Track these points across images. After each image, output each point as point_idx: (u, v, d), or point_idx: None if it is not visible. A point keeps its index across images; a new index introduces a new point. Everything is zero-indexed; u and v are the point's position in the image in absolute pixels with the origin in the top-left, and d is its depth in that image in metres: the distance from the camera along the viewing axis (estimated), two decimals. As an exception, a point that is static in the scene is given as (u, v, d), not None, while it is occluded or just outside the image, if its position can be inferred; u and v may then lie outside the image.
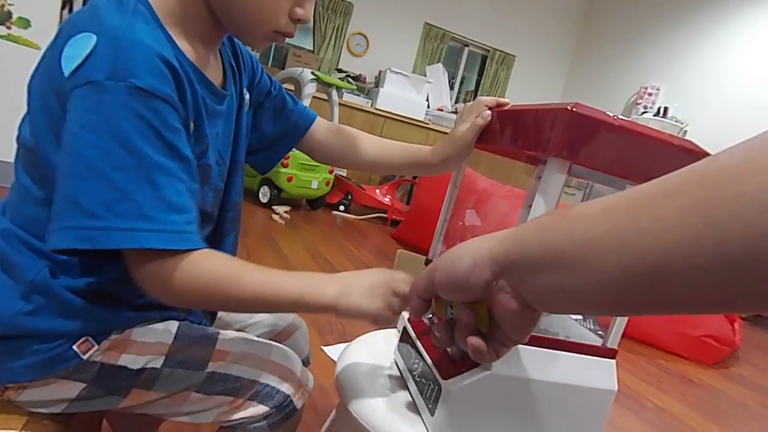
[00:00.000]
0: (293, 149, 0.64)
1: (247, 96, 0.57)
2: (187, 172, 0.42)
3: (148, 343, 0.48)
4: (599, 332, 0.54)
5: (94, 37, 0.38)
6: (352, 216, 3.49)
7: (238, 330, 0.63)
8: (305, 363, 0.69)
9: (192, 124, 0.45)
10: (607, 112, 0.42)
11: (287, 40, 0.48)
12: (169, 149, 0.40)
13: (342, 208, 3.57)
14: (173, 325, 0.51)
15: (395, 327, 0.63)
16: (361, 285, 0.46)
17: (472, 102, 0.58)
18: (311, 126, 0.64)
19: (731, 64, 4.05)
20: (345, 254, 2.38)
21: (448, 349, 0.48)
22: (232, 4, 0.44)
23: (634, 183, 0.44)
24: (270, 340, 0.65)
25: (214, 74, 0.49)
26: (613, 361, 0.50)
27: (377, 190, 3.66)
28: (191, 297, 0.42)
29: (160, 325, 0.50)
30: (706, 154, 0.45)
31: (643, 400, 1.45)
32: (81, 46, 0.38)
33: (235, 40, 0.57)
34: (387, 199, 3.64)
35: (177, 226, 0.40)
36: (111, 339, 0.47)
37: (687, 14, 4.40)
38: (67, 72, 0.38)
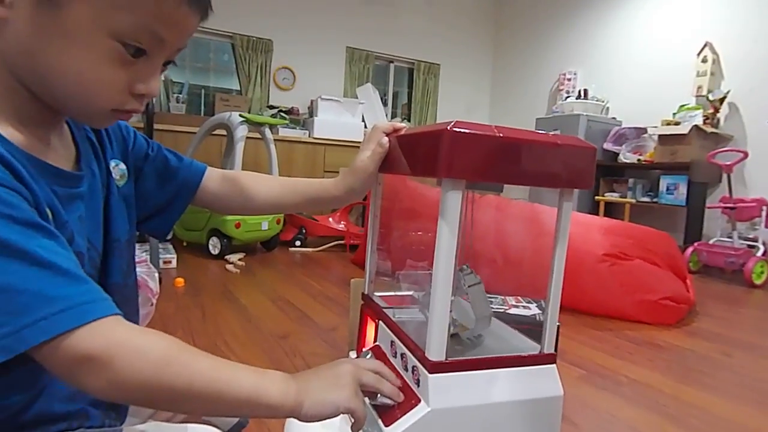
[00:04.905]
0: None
1: (121, 167, 0.53)
2: (65, 246, 0.37)
3: None
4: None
5: None
6: (310, 249, 3.43)
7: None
8: (242, 424, 0.64)
9: (48, 211, 0.40)
10: (489, 125, 0.42)
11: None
12: (38, 228, 0.35)
13: (298, 243, 3.50)
14: None
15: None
16: (323, 377, 0.44)
17: (370, 129, 0.58)
18: (202, 179, 0.60)
19: (641, 30, 4.22)
20: (307, 291, 2.32)
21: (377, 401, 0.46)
22: (53, 86, 0.39)
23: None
24: None
25: (60, 157, 0.44)
26: (554, 366, 0.49)
27: (330, 219, 3.62)
28: (133, 382, 0.35)
29: None
30: (592, 148, 0.46)
31: (617, 376, 1.47)
32: None
33: None
34: (342, 225, 3.60)
35: (90, 295, 0.35)
36: None
37: None
38: None
